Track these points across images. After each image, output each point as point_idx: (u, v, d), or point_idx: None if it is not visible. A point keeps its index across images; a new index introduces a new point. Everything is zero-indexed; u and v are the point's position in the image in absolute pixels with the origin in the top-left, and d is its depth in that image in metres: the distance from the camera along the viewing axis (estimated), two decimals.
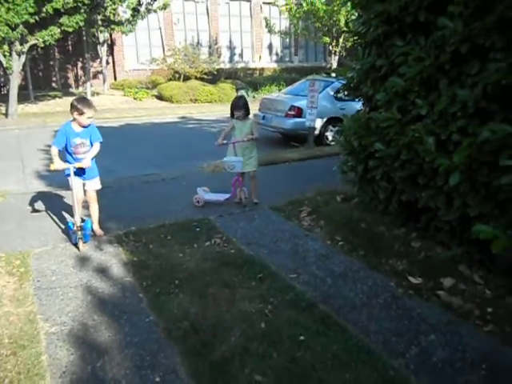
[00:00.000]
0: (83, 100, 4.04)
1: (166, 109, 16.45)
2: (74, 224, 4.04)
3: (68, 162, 4.03)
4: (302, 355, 2.59)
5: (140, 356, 2.62)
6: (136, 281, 3.47)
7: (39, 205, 5.34)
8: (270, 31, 20.18)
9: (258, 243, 4.17)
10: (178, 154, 8.78)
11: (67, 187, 5.95)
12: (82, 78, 19.78)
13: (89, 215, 4.43)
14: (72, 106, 3.93)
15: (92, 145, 4.08)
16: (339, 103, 9.66)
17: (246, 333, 2.79)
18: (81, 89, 19.62)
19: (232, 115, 5.15)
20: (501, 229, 2.98)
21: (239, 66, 22.76)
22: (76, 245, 4.04)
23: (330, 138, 9.67)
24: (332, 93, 9.66)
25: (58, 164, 3.90)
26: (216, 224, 4.61)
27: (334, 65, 18.42)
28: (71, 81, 19.91)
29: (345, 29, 16.39)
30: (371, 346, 2.71)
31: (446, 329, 2.89)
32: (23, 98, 15.08)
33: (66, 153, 4.11)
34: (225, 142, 5.07)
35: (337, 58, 18.36)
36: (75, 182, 4.02)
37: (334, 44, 17.83)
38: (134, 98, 17.79)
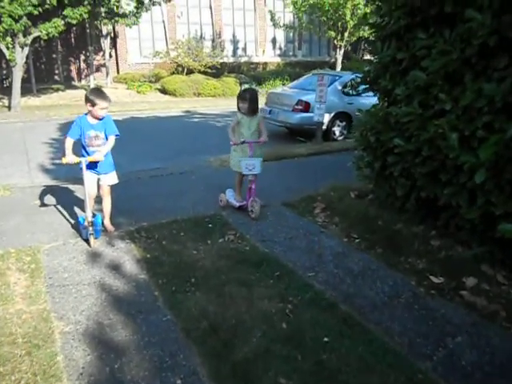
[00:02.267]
0: (96, 91, 3.91)
1: (170, 102, 16.34)
2: (84, 219, 3.92)
3: (82, 155, 3.92)
4: (327, 358, 2.51)
5: (159, 357, 2.54)
6: (150, 278, 3.39)
7: (47, 199, 5.25)
8: (275, 25, 19.99)
9: (272, 240, 4.08)
10: (184, 148, 8.67)
11: (74, 181, 5.91)
12: (85, 71, 19.66)
13: (99, 210, 4.33)
14: (85, 97, 3.82)
15: (107, 138, 3.96)
16: (347, 98, 9.57)
17: (268, 333, 2.71)
18: (83, 82, 19.51)
19: (238, 108, 4.75)
20: None
21: (242, 60, 22.60)
22: (87, 240, 3.94)
23: (338, 133, 9.57)
24: (340, 87, 9.56)
25: (69, 157, 3.78)
26: (229, 220, 4.52)
27: (339, 59, 18.26)
28: (74, 74, 19.77)
29: (350, 23, 16.30)
30: (396, 348, 2.63)
31: (472, 330, 2.81)
32: (25, 90, 14.94)
33: (80, 145, 4.00)
34: (242, 140, 4.57)
35: (342, 52, 18.18)
36: (87, 176, 3.87)
37: (338, 38, 17.66)
38: (138, 92, 17.66)
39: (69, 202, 5.10)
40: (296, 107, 9.25)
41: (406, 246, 3.79)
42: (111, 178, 4.16)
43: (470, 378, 2.42)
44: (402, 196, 4.07)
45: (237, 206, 4.76)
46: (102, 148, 3.91)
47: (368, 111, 4.51)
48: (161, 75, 19.18)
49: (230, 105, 16.15)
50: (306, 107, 9.11)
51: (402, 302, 3.11)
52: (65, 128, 10.95)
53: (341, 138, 9.57)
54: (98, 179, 4.12)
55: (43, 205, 5.05)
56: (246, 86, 18.89)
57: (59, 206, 4.98)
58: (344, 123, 9.53)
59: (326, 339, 2.66)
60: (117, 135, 3.98)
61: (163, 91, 18.07)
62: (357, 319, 2.90)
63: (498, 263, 3.43)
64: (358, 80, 9.84)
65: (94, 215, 3.98)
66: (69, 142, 3.85)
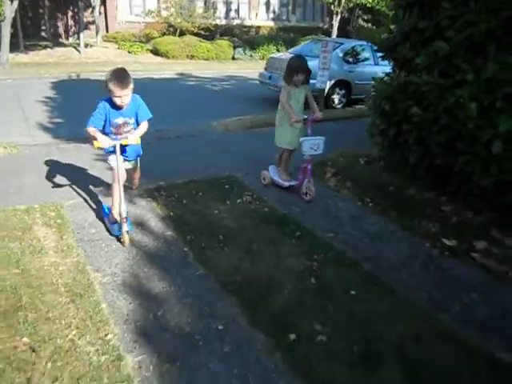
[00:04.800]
0: (114, 74, 3.14)
1: (163, 64, 16.06)
2: (109, 209, 3.51)
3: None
4: (356, 309, 2.70)
5: (198, 306, 2.69)
6: (178, 235, 3.50)
7: (57, 157, 5.26)
8: None
9: (289, 202, 4.22)
10: (185, 112, 8.65)
11: (76, 140, 5.91)
12: (73, 28, 19.01)
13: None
14: (105, 81, 3.17)
15: (138, 122, 3.40)
16: (347, 66, 9.59)
17: (298, 287, 2.89)
18: (71, 40, 18.90)
19: (289, 80, 4.16)
20: None
21: (235, 22, 22.08)
22: (118, 237, 3.38)
23: (337, 101, 9.62)
24: (341, 55, 9.54)
25: (103, 140, 3.14)
26: (244, 182, 4.63)
27: (335, 25, 18.06)
28: (61, 31, 19.10)
29: None
30: (417, 302, 2.83)
31: (484, 288, 3.03)
32: (12, 47, 14.42)
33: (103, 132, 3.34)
34: (305, 117, 4.16)
35: (338, 18, 17.97)
36: (120, 161, 3.30)
37: (336, 4, 17.41)
38: (129, 52, 17.24)
39: (78, 160, 5.12)
40: None
41: (419, 210, 3.98)
42: (136, 162, 3.83)
43: (483, 328, 2.63)
44: (414, 163, 4.23)
45: (285, 185, 4.42)
46: (134, 132, 3.35)
47: (382, 80, 4.59)
48: (152, 35, 18.72)
49: (224, 69, 15.99)
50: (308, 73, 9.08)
51: (418, 262, 3.32)
52: (58, 87, 10.77)
53: (339, 106, 9.63)
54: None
55: (53, 163, 5.06)
56: (240, 49, 18.65)
57: (69, 165, 5.00)
58: (343, 91, 9.58)
59: (353, 292, 2.85)
60: (149, 118, 3.42)
61: (155, 52, 17.68)
62: (378, 276, 3.09)
63: (507, 228, 3.64)
64: (360, 48, 9.97)
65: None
66: (92, 130, 3.21)
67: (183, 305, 2.70)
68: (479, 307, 2.84)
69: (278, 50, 18.35)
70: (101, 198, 3.95)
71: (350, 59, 9.81)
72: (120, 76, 3.14)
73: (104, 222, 3.65)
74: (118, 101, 3.17)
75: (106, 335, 2.41)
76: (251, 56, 19.00)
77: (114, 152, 3.30)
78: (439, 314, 2.73)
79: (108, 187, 4.12)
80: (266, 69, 10.31)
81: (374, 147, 4.86)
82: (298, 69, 4.10)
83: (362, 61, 9.93)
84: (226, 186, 4.48)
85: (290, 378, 2.18)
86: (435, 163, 3.99)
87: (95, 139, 3.14)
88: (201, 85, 12.34)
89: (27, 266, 2.97)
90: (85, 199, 4.10)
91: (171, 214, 3.84)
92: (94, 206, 3.95)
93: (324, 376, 2.19)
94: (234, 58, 18.72)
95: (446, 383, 2.22)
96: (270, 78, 9.84)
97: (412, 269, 3.22)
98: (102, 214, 3.75)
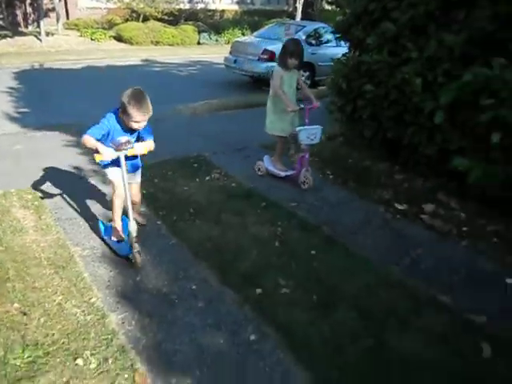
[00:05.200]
0: (133, 96, 2.79)
1: (128, 51, 15.92)
2: (109, 227, 3.27)
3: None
4: (316, 266, 3.03)
5: (173, 271, 2.95)
6: (150, 211, 3.74)
7: (27, 145, 5.35)
8: None
9: (254, 177, 4.50)
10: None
11: (44, 128, 6.01)
12: (32, 15, 18.51)
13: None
14: (121, 101, 2.82)
15: (139, 138, 3.07)
16: (310, 48, 9.83)
17: (264, 250, 3.19)
18: (31, 28, 18.41)
19: (283, 63, 4.09)
20: (476, 161, 3.49)
21: (199, 6, 21.93)
22: (128, 257, 3.03)
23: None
24: (304, 37, 9.78)
25: (107, 152, 2.74)
26: (212, 160, 4.89)
27: (299, 8, 18.26)
28: (20, 19, 18.56)
29: None
30: (371, 258, 3.18)
31: (430, 244, 3.41)
32: None
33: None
34: (302, 106, 4.10)
35: (302, 1, 18.16)
36: (125, 173, 2.87)
37: None
38: (92, 39, 16.97)
39: (47, 147, 5.25)
40: (262, 56, 9.45)
41: (374, 180, 4.34)
42: (139, 175, 3.40)
43: (428, 277, 3.00)
44: (370, 137, 4.57)
45: (281, 175, 4.37)
46: (139, 144, 2.96)
47: (339, 60, 4.89)
48: (114, 22, 18.45)
49: (189, 54, 15.99)
50: (272, 56, 9.32)
51: (373, 225, 3.67)
52: (22, 77, 10.61)
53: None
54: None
55: (23, 151, 5.15)
56: (205, 34, 18.64)
57: (39, 152, 5.11)
58: (307, 73, 9.85)
59: (313, 252, 3.17)
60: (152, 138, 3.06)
61: (119, 39, 17.47)
62: (337, 238, 3.42)
63: (452, 192, 4.04)
64: (323, 30, 10.23)
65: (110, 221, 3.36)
66: (92, 140, 2.79)
67: (159, 271, 2.96)
68: (425, 260, 3.21)
69: (243, 34, 18.43)
70: (94, 211, 3.74)
71: (313, 41, 10.07)
72: (142, 100, 2.81)
73: (80, 203, 3.84)
74: (135, 125, 2.86)
75: (90, 299, 2.64)
76: (217, 40, 19.04)
77: (111, 164, 3.04)
78: (390, 268, 3.08)
79: (80, 179, 4.33)
80: (231, 53, 10.49)
81: (335, 124, 5.18)
82: (292, 52, 4.01)
83: (325, 43, 10.21)
84: (195, 165, 4.72)
85: (257, 324, 2.48)
86: (387, 136, 4.34)
87: (96, 151, 2.74)
88: (166, 70, 12.39)
89: (10, 244, 3.15)
90: (58, 182, 4.25)
91: (143, 192, 4.04)
92: (69, 189, 4.12)
93: (286, 320, 2.50)
94: (199, 43, 18.71)
95: (394, 322, 2.56)
96: (235, 61, 10.02)
97: (367, 231, 3.57)
98: (97, 230, 3.38)
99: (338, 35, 5.08)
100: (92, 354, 2.22)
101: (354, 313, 2.58)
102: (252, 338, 2.39)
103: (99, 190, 4.13)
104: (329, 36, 10.13)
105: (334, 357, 2.27)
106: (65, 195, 4.00)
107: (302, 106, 4.10)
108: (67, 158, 4.89)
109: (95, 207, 3.81)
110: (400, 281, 2.92)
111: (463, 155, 3.62)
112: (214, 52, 16.14)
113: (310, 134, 4.00)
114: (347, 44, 5.18)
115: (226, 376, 2.15)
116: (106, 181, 4.25)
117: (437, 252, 3.32)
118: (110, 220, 3.34)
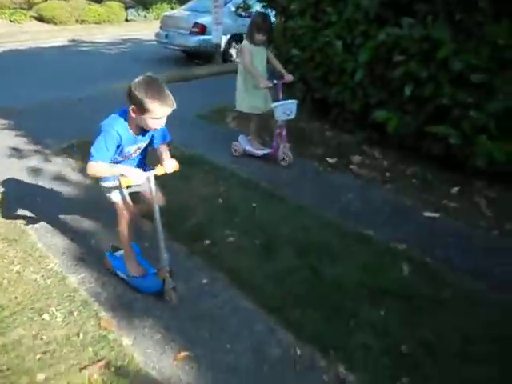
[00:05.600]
0: (150, 87, 2.10)
1: (52, 32, 15.25)
2: (120, 259, 2.71)
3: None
4: (257, 216, 3.33)
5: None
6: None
7: None
8: None
9: (194, 145, 4.70)
10: (82, 78, 8.56)
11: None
12: None
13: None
14: (130, 93, 2.12)
15: (150, 145, 2.51)
16: (240, 19, 9.95)
17: (209, 208, 3.44)
18: None
19: (250, 38, 4.01)
20: (393, 113, 3.90)
21: None
22: (161, 293, 2.49)
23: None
24: (233, 9, 9.88)
25: (137, 175, 2.20)
26: None
27: None
28: None
29: None
30: (306, 206, 3.52)
31: (358, 190, 3.82)
32: None
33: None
34: (275, 82, 4.01)
35: None
36: (155, 194, 2.38)
37: None
38: (11, 21, 15.99)
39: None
40: (193, 30, 9.47)
41: (308, 138, 4.68)
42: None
43: (356, 217, 3.39)
44: (301, 99, 4.87)
45: (260, 154, 4.30)
46: (169, 161, 2.41)
47: None
48: (34, 1, 17.45)
49: (118, 32, 15.57)
50: (203, 29, 9.38)
51: (307, 178, 4.03)
52: None
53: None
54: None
55: None
56: (133, 10, 18.11)
57: None
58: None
59: (254, 205, 3.47)
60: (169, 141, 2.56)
61: (40, 19, 16.58)
62: (275, 192, 3.73)
63: (375, 144, 4.46)
64: (252, 1, 10.36)
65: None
66: (105, 167, 2.23)
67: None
68: (354, 204, 3.61)
69: (172, 8, 18.07)
70: (37, 189, 4.04)
71: (243, 13, 10.18)
72: (161, 89, 2.12)
73: (26, 181, 3.88)
74: (155, 124, 2.20)
75: (48, 265, 2.79)
76: (145, 16, 18.59)
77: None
78: (323, 212, 3.44)
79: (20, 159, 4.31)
80: (161, 28, 10.39)
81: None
82: (260, 27, 3.92)
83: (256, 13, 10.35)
84: None
85: (207, 271, 2.75)
86: (316, 97, 4.67)
87: (121, 175, 2.19)
88: (95, 50, 12.06)
89: None
90: (6, 162, 4.26)
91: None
92: (16, 168, 4.13)
93: (233, 265, 2.78)
94: (127, 20, 18.19)
95: (327, 255, 2.91)
96: (166, 36, 9.96)
97: (302, 184, 3.92)
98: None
99: (263, 4, 5.29)
100: (57, 310, 2.40)
101: (292, 251, 2.91)
102: (204, 281, 2.66)
103: (41, 169, 4.17)
104: (258, 7, 10.30)
105: (275, 288, 2.59)
106: (12, 175, 4.00)
107: (275, 81, 4.02)
108: (4, 140, 4.84)
109: (42, 183, 3.87)
110: (332, 222, 3.29)
111: (382, 109, 4.03)
112: (144, 28, 15.84)
113: (286, 109, 3.97)
114: (273, 12, 5.41)
115: (183, 313, 2.41)
116: (50, 159, 4.31)
117: (364, 196, 3.72)
118: (114, 247, 2.85)
